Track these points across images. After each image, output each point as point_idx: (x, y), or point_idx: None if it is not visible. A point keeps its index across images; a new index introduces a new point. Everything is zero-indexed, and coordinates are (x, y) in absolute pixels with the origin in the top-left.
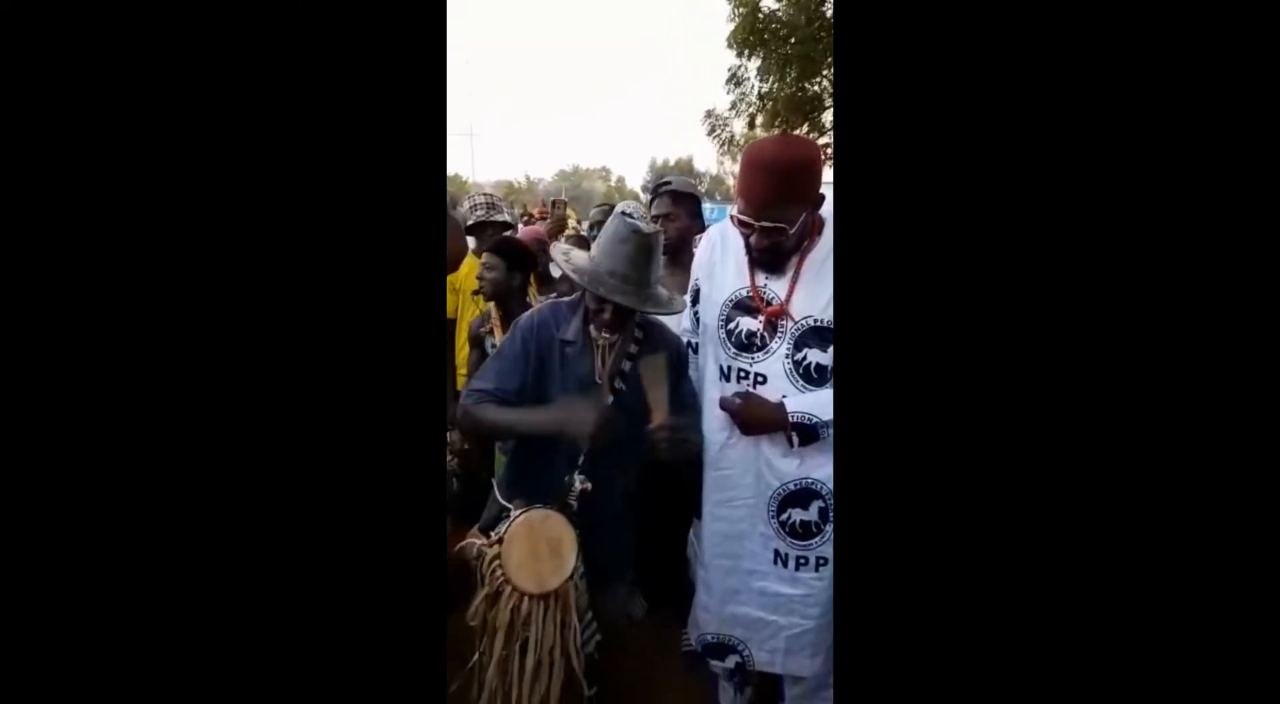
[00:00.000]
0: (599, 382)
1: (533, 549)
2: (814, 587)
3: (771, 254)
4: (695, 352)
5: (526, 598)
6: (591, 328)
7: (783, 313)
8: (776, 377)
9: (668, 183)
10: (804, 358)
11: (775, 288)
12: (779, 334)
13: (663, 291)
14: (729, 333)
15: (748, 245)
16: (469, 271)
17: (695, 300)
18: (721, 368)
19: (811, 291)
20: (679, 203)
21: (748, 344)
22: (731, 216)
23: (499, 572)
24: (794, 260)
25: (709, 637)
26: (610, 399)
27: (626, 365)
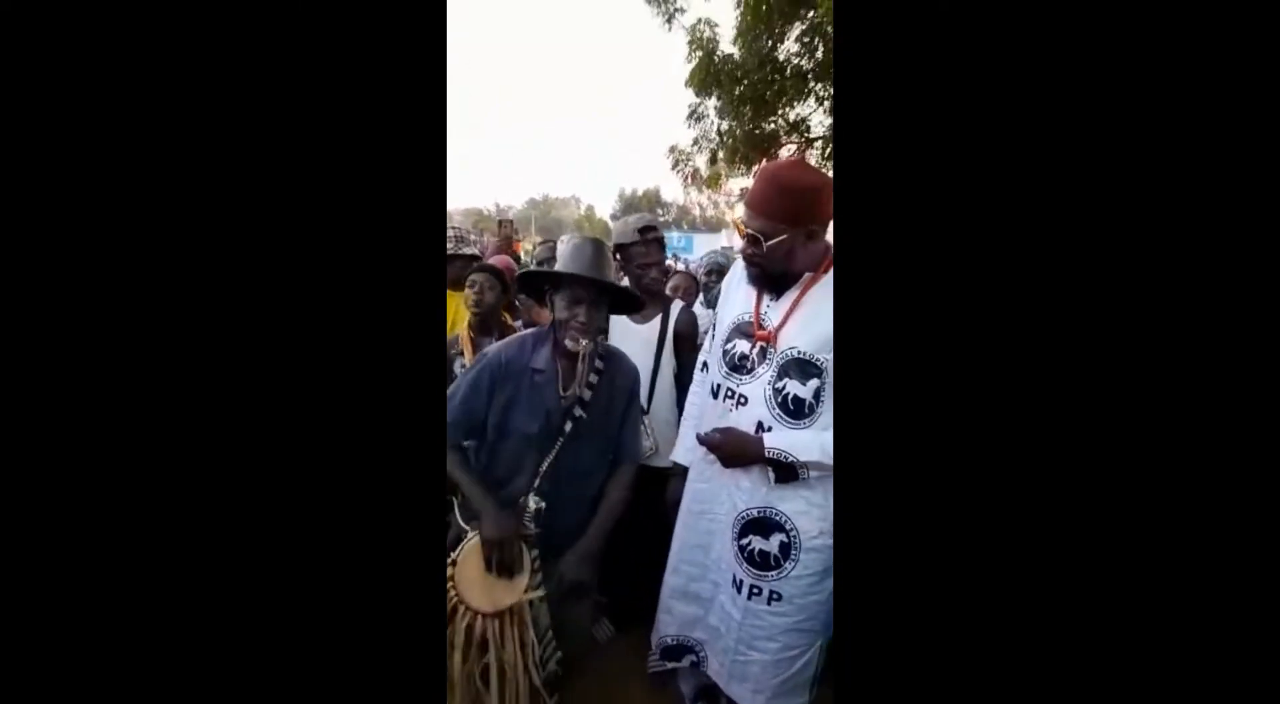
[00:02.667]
0: (563, 406)
1: (484, 569)
2: (763, 620)
3: (756, 267)
4: (706, 370)
5: (480, 616)
6: (567, 341)
7: (770, 339)
8: (756, 401)
9: (653, 229)
10: (784, 387)
11: (774, 314)
12: (767, 360)
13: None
14: (725, 353)
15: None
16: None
17: (714, 323)
18: (714, 386)
19: (804, 323)
20: (662, 248)
21: (739, 366)
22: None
23: (453, 592)
24: (796, 290)
25: (669, 640)
26: (569, 426)
27: (587, 394)
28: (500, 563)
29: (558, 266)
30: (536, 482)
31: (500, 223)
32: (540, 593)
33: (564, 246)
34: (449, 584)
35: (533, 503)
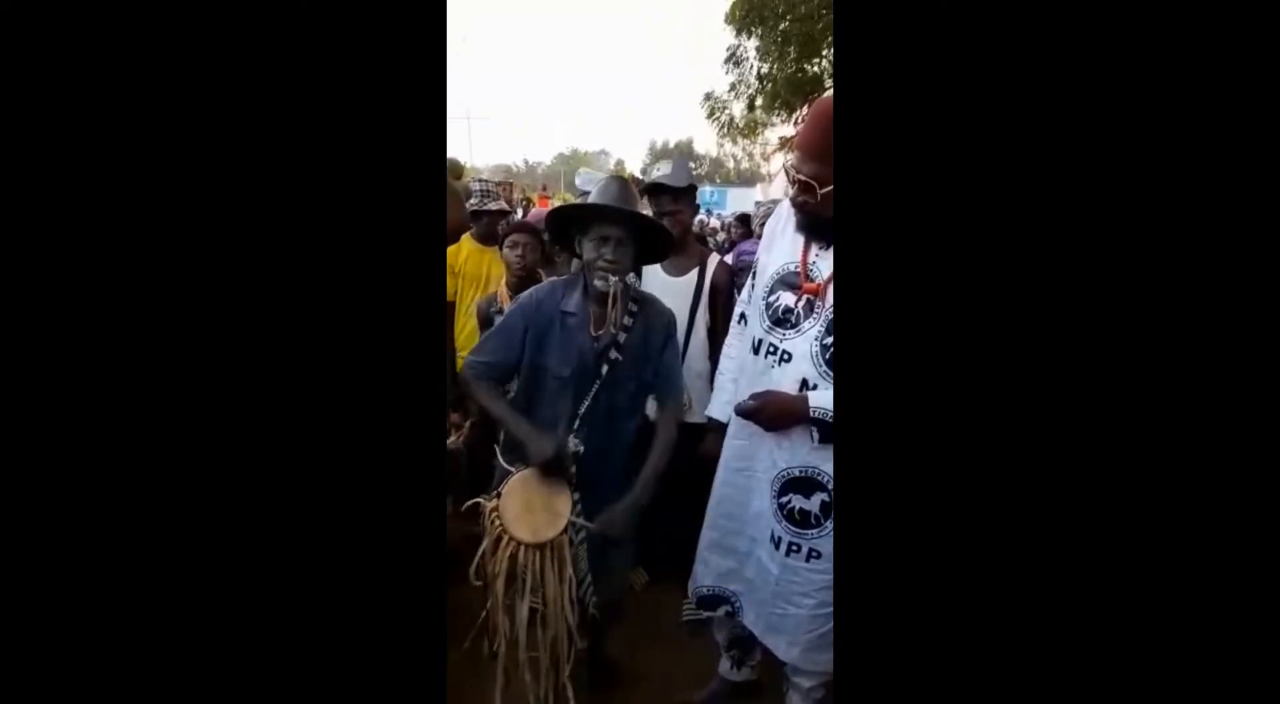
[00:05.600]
0: (597, 349)
1: (528, 502)
2: (800, 576)
3: (807, 216)
4: (745, 323)
5: (522, 547)
6: (596, 280)
7: (820, 292)
8: (801, 357)
9: (662, 186)
10: (831, 343)
11: (824, 265)
12: (814, 313)
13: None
14: (768, 306)
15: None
16: (468, 256)
17: (754, 272)
18: (754, 341)
19: None
20: (679, 199)
21: (783, 320)
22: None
23: (497, 522)
24: None
25: (704, 589)
26: (605, 370)
27: (621, 336)
28: (556, 472)
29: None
30: (575, 424)
31: (499, 184)
32: (582, 536)
33: (594, 191)
34: (494, 515)
35: (572, 445)
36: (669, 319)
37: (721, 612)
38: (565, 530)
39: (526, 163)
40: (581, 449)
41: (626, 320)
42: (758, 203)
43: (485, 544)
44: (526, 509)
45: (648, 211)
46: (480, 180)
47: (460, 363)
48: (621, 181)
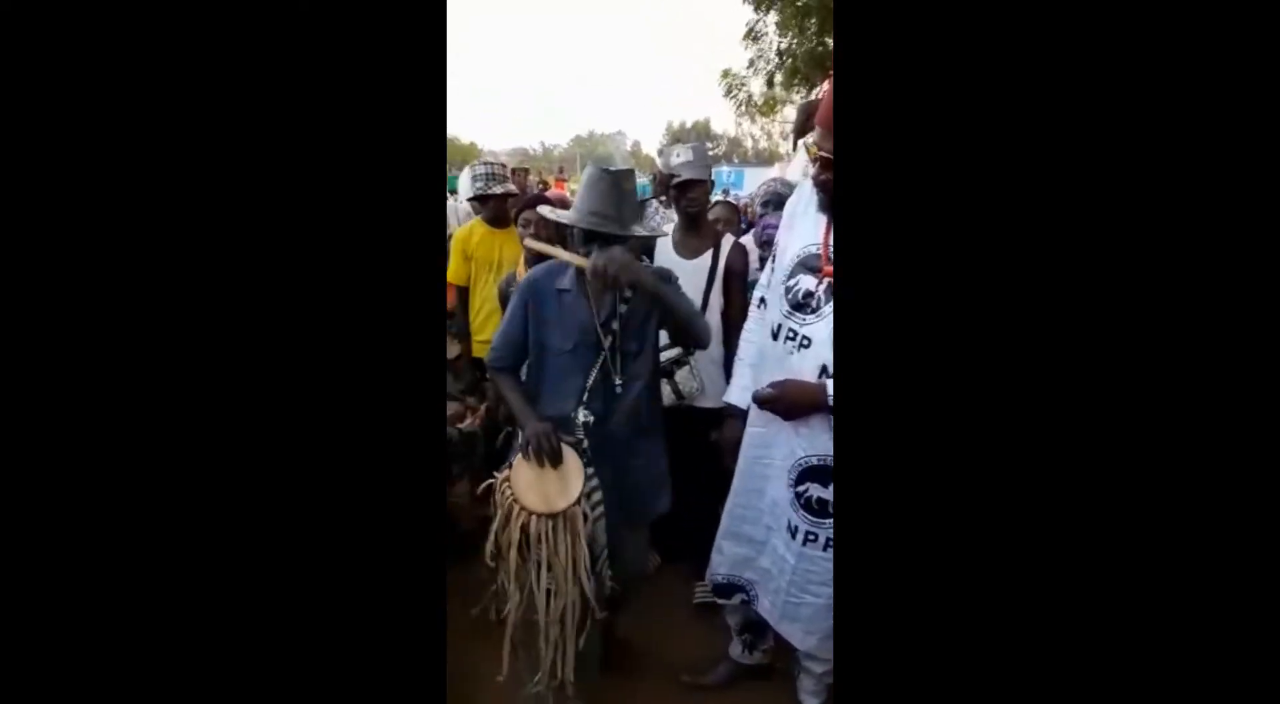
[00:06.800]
0: (597, 323)
1: (539, 473)
2: (818, 565)
3: (830, 195)
4: (764, 306)
5: (534, 517)
6: (588, 278)
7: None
8: (821, 343)
9: (681, 177)
10: None
11: None
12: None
13: (641, 223)
14: (788, 290)
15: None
16: (479, 240)
17: (774, 254)
18: (774, 325)
19: None
20: (698, 180)
21: (803, 304)
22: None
23: (508, 492)
24: None
25: (719, 577)
26: (609, 341)
27: (622, 308)
28: (547, 454)
29: (574, 201)
30: (585, 396)
31: (514, 171)
32: (599, 511)
33: (581, 182)
34: (505, 486)
35: (581, 416)
36: (667, 274)
37: (736, 600)
38: (578, 501)
39: (543, 146)
40: (591, 420)
41: (626, 292)
42: (762, 183)
43: (497, 518)
44: (538, 479)
45: (671, 196)
46: (485, 162)
47: (474, 345)
48: (611, 179)
